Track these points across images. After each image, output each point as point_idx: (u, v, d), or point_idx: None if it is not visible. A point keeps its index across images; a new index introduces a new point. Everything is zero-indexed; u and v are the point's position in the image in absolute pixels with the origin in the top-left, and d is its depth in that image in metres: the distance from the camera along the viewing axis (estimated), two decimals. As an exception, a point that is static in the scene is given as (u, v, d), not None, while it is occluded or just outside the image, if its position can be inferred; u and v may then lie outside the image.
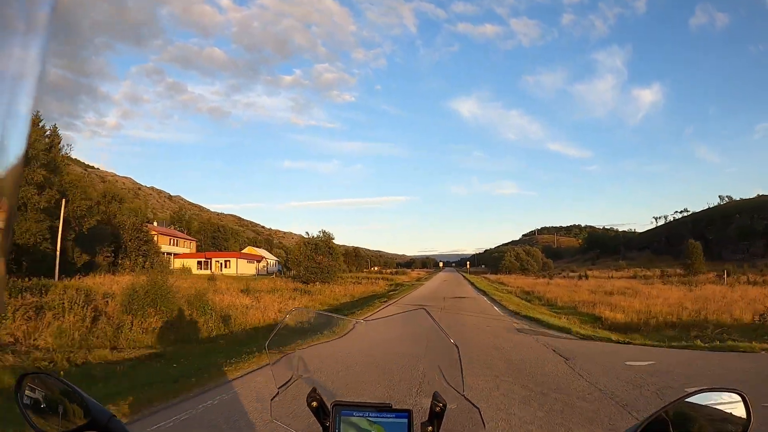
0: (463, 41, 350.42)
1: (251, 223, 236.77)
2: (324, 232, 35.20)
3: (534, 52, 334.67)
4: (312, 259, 32.87)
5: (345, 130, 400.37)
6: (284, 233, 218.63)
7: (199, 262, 57.18)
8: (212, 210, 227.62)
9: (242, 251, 70.17)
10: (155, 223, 64.57)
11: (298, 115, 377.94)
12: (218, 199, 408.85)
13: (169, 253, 55.44)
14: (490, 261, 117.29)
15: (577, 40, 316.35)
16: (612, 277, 50.20)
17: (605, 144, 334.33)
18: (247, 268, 58.88)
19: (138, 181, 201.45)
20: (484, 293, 28.48)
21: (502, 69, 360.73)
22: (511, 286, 37.75)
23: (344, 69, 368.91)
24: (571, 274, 60.58)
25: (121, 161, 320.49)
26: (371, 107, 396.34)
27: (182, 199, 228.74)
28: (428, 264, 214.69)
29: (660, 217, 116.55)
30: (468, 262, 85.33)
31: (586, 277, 45.81)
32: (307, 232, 36.12)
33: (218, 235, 76.74)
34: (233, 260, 58.95)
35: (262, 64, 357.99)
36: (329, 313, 1.60)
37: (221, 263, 57.74)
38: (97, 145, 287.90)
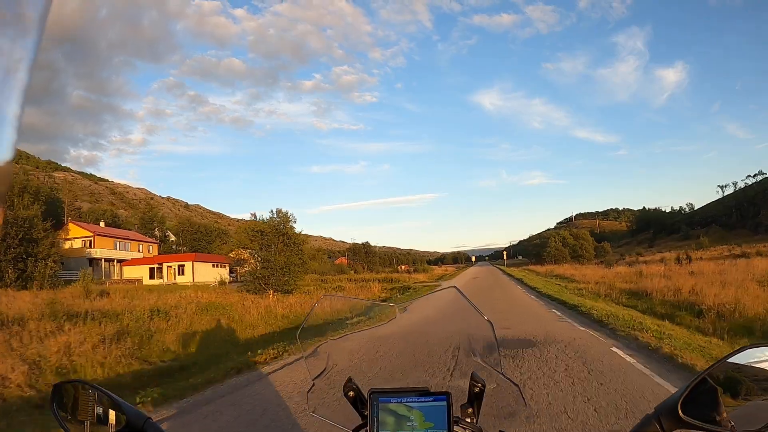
0: (480, 33, 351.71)
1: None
2: (279, 212, 23.75)
3: (553, 39, 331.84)
4: (264, 257, 22.27)
5: (369, 131, 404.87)
6: (315, 237, 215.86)
7: (152, 269, 46.38)
8: (231, 217, 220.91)
9: (206, 253, 55.35)
10: (102, 224, 55.45)
11: (321, 119, 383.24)
12: (245, 207, 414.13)
13: (110, 260, 46.98)
14: (529, 251, 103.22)
15: (595, 24, 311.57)
16: (730, 256, 35.10)
17: (632, 127, 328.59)
18: (208, 274, 43.86)
19: (152, 191, 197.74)
20: (562, 304, 13.77)
21: (521, 58, 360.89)
22: (584, 281, 24.77)
23: (363, 70, 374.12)
24: (642, 259, 48.01)
25: (148, 176, 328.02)
26: (394, 106, 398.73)
27: (201, 207, 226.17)
28: (459, 259, 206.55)
29: (726, 186, 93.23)
30: (504, 253, 71.05)
31: (689, 259, 31.50)
32: (254, 214, 24.96)
33: (199, 236, 63.74)
34: (188, 264, 45.79)
35: (280, 71, 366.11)
36: (362, 299, 1.88)
37: (175, 269, 45.69)
38: (124, 162, 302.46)
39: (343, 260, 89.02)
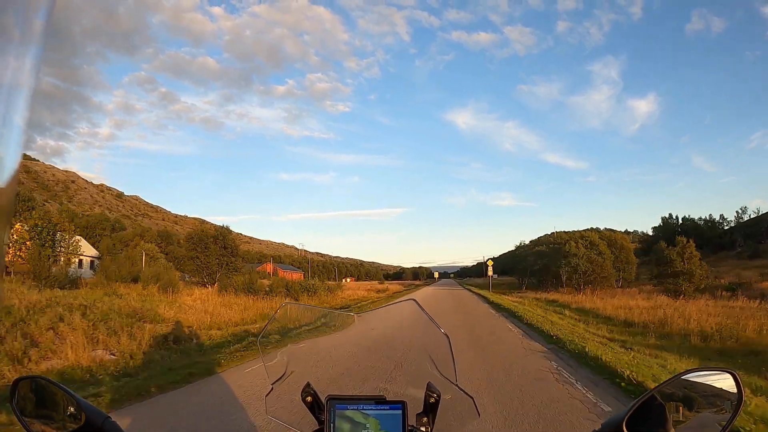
0: (458, 49, 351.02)
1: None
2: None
3: (529, 61, 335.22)
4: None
5: (340, 141, 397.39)
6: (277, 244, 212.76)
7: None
8: (172, 213, 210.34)
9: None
10: None
11: (292, 126, 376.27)
12: (215, 211, 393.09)
13: None
14: (506, 267, 75.44)
15: (572, 49, 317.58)
16: None
17: (602, 154, 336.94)
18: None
19: (113, 186, 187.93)
20: None
21: (497, 78, 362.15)
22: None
23: (337, 78, 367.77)
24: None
25: (115, 171, 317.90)
26: (366, 118, 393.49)
27: (138, 199, 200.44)
28: (420, 274, 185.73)
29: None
30: (489, 267, 43.50)
31: None
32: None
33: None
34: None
35: (254, 74, 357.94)
36: (321, 308, 1.62)
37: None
38: (91, 155, 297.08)
39: (268, 266, 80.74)
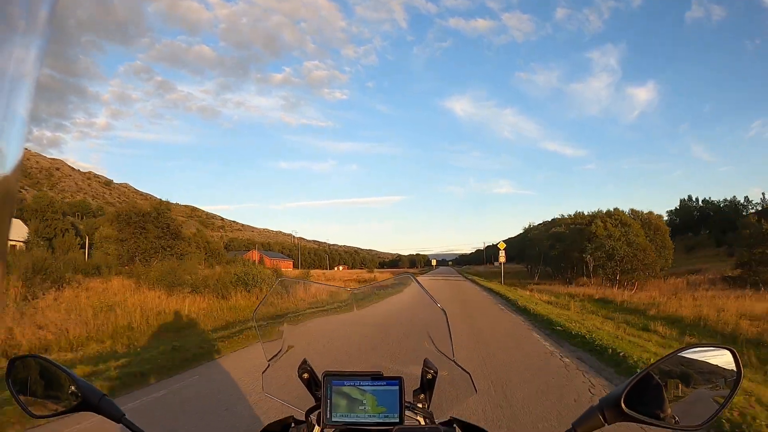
0: (455, 36, 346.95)
1: (211, 215, 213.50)
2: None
3: (527, 48, 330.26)
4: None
5: (338, 129, 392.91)
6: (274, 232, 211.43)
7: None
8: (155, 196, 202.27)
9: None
10: None
11: (290, 114, 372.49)
12: (212, 200, 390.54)
13: None
14: (511, 252, 62.16)
15: (571, 36, 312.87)
16: None
17: (601, 142, 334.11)
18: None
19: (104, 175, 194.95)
20: None
21: (495, 65, 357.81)
22: None
23: (335, 66, 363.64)
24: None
25: (112, 162, 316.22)
26: (364, 106, 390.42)
27: (128, 186, 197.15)
28: (417, 262, 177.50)
29: None
30: (502, 253, 36.79)
31: None
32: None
33: None
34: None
35: (251, 62, 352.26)
36: (319, 282, 1.60)
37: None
38: (88, 146, 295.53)
39: (254, 254, 73.69)
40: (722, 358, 0.94)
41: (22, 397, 1.03)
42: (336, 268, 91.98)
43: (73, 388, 1.02)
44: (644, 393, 0.93)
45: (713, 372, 0.94)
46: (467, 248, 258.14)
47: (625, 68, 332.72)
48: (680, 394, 0.93)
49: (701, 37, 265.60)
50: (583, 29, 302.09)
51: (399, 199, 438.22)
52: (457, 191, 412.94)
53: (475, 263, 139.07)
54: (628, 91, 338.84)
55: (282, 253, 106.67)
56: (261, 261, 72.58)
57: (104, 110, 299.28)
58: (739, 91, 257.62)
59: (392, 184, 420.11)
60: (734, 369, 0.92)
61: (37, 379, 1.05)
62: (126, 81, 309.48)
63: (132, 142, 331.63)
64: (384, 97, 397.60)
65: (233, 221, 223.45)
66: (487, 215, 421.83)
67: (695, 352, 0.95)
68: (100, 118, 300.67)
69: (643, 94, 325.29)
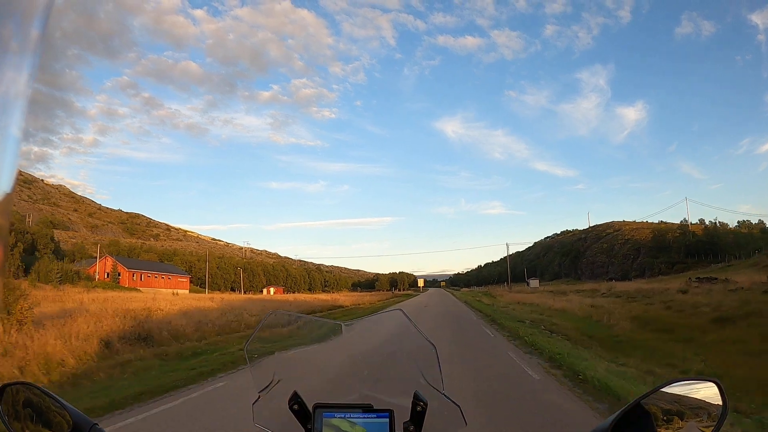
0: (444, 54, 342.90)
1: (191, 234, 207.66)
2: None
3: (517, 66, 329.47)
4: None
5: (328, 149, 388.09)
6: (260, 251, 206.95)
7: None
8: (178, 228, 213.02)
9: None
10: None
11: (278, 133, 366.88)
12: (203, 220, 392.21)
13: None
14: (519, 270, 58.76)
15: (560, 54, 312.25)
16: None
17: (591, 162, 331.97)
18: None
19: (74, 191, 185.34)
20: None
21: (484, 84, 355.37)
22: None
23: (323, 84, 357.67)
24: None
25: (99, 179, 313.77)
26: (353, 125, 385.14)
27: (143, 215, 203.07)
28: (400, 282, 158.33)
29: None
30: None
31: None
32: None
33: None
34: None
35: (238, 79, 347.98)
36: (310, 316, 1.65)
37: None
38: (75, 162, 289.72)
39: (106, 263, 65.04)
40: (708, 391, 0.96)
41: (15, 424, 1.03)
42: (266, 291, 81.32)
43: (63, 415, 1.02)
44: (634, 424, 0.95)
45: (699, 406, 0.96)
46: (459, 269, 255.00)
47: (615, 88, 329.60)
48: (668, 426, 0.95)
49: (690, 55, 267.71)
50: (573, 47, 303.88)
51: (391, 220, 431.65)
52: (449, 212, 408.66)
53: (475, 283, 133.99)
54: (618, 110, 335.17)
55: (182, 269, 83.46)
56: (115, 274, 59.33)
57: (91, 125, 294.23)
58: (729, 108, 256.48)
59: (384, 205, 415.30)
60: (720, 402, 0.94)
61: (29, 405, 1.05)
62: (113, 96, 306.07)
63: (119, 159, 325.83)
64: (373, 116, 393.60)
65: (178, 227, 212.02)
66: (480, 236, 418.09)
67: (682, 385, 0.97)
68: (87, 134, 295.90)
69: (633, 113, 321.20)
